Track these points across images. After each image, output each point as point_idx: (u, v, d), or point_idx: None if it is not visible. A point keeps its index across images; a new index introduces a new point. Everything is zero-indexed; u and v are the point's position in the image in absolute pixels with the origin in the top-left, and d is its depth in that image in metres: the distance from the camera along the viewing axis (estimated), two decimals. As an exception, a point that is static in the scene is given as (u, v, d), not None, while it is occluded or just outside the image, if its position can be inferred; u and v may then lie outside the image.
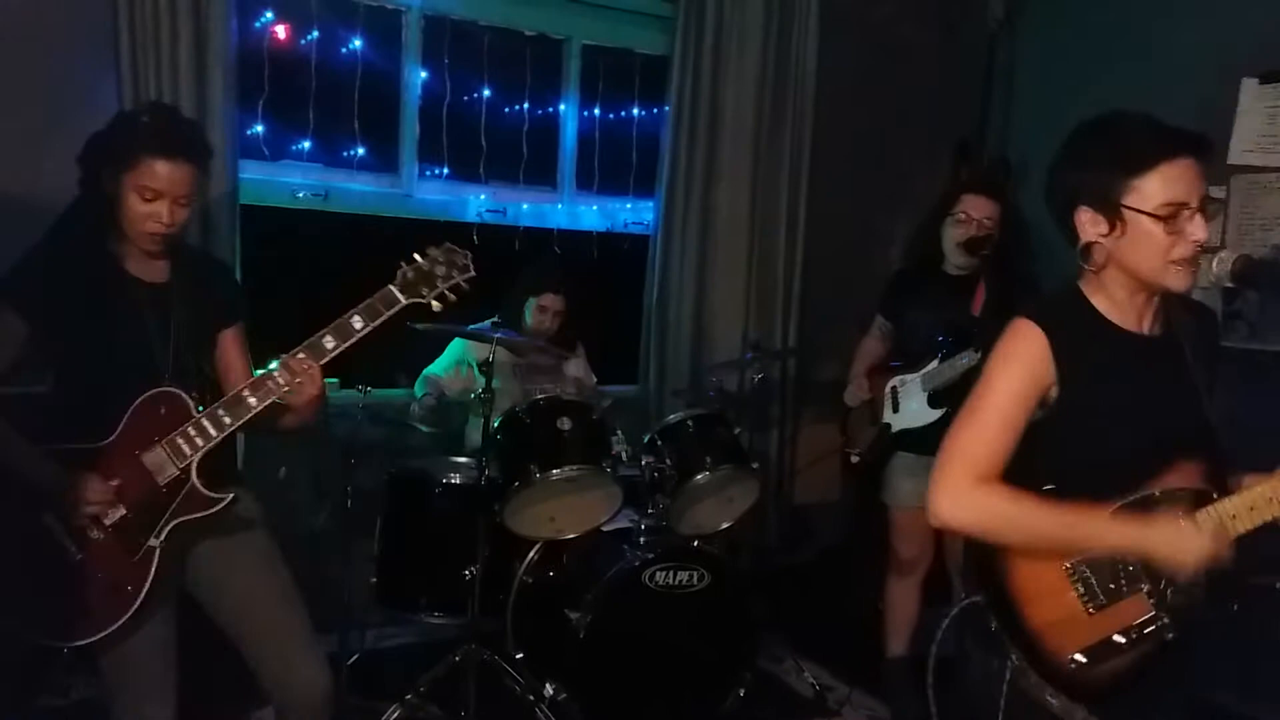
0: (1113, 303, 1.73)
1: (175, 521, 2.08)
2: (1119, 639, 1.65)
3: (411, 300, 2.16)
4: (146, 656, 2.14)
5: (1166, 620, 1.65)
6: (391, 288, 2.15)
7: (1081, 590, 1.67)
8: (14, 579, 2.05)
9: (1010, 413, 1.66)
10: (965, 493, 1.64)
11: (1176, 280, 1.65)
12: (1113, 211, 1.65)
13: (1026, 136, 4.55)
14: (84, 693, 2.92)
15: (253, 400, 2.10)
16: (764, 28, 4.17)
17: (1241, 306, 3.62)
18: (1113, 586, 1.66)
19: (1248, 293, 3.57)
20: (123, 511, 2.06)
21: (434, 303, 2.19)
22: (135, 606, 2.05)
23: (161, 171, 2.08)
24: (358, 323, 2.13)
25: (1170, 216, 1.61)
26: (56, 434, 2.09)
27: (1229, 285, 1.74)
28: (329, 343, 2.12)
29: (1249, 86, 3.59)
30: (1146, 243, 1.63)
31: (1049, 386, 1.68)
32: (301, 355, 2.11)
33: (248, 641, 2.27)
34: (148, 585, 2.05)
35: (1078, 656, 1.64)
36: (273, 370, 2.11)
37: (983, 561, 1.72)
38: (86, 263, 2.15)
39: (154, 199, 2.09)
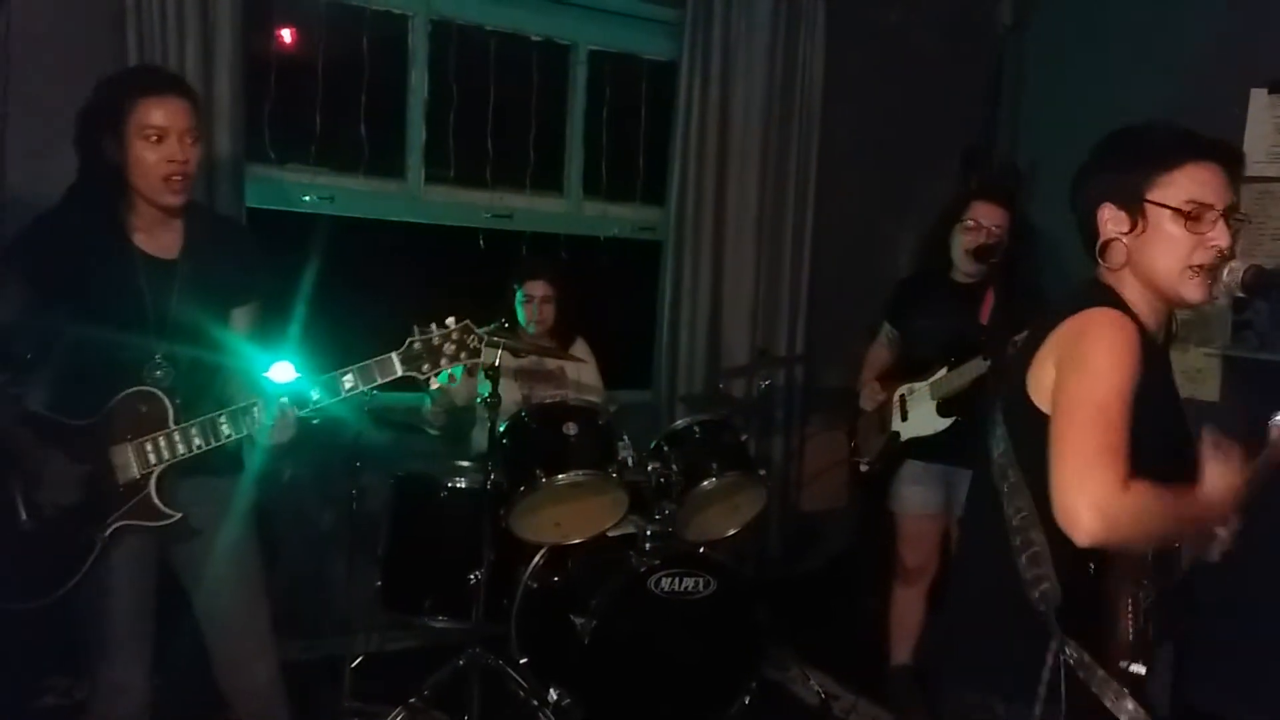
0: (1135, 308, 1.68)
1: (123, 523, 2.10)
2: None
3: (408, 374, 2.14)
4: (111, 623, 2.15)
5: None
6: (394, 356, 2.12)
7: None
8: None
9: (1128, 406, 1.50)
10: (1120, 497, 1.43)
11: (1192, 291, 1.62)
12: (1136, 207, 1.62)
13: (1035, 143, 4.54)
14: (86, 693, 2.91)
15: (227, 430, 2.12)
16: (771, 33, 4.17)
17: (1252, 317, 3.60)
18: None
19: (1258, 303, 3.56)
20: (76, 497, 2.08)
21: (431, 381, 2.16)
22: (61, 591, 2.07)
23: (157, 108, 2.09)
24: (348, 382, 2.12)
25: (1193, 216, 1.58)
26: (44, 400, 2.11)
27: (1240, 295, 1.72)
28: (314, 394, 2.13)
29: (1258, 97, 3.58)
30: (1167, 242, 1.61)
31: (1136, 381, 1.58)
32: (285, 399, 2.12)
33: (208, 633, 2.32)
34: (80, 574, 2.07)
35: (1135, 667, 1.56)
36: (254, 406, 2.12)
37: (1080, 601, 1.57)
38: (92, 234, 2.14)
39: (160, 139, 2.09)
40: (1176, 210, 1.60)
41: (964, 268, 3.30)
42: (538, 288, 3.52)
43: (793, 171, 4.30)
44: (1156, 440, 1.59)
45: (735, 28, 4.11)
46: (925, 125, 4.63)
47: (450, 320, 2.16)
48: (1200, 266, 1.61)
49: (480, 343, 2.18)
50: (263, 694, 2.35)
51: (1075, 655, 1.53)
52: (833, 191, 4.45)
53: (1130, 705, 1.51)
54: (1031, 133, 4.58)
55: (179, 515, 2.13)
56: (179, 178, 2.12)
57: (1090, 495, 1.42)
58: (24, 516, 2.06)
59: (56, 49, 3.07)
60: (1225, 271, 1.70)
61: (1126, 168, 1.65)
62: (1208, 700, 3.55)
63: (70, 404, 2.11)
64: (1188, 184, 1.60)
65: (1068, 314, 1.58)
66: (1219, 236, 1.60)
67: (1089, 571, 1.56)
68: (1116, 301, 1.63)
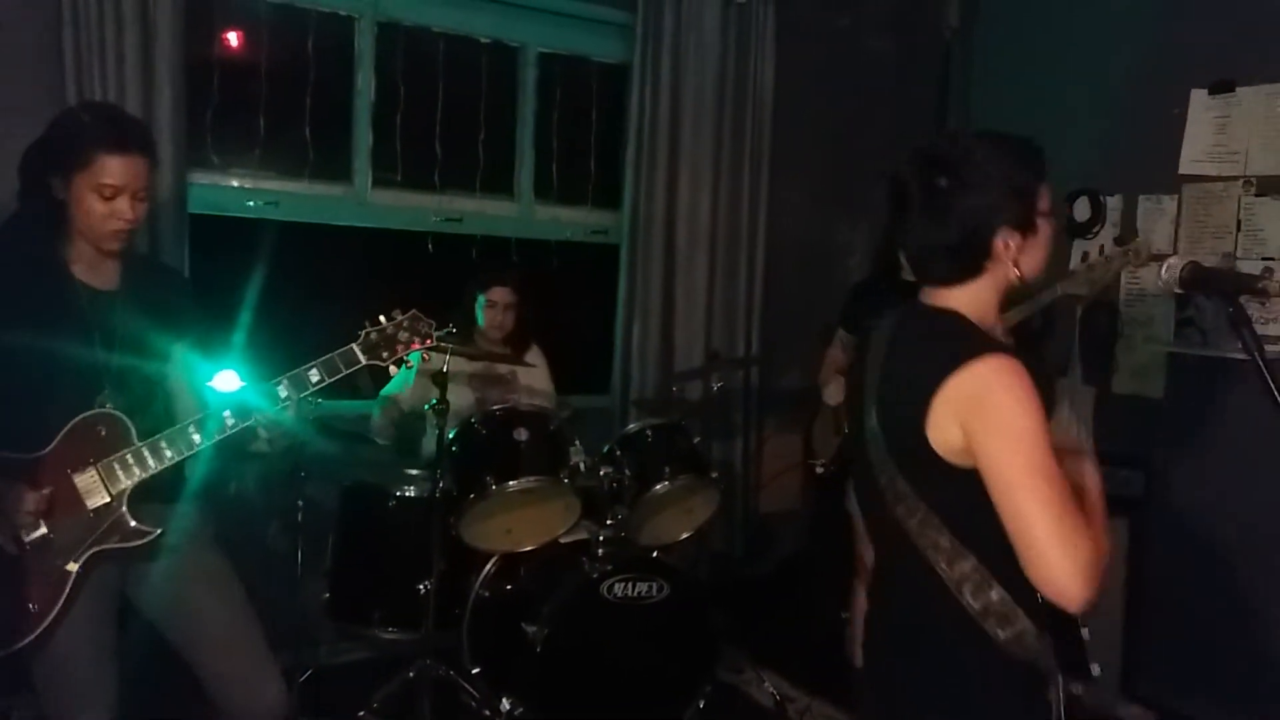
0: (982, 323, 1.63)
1: (97, 549, 2.04)
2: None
3: (371, 363, 2.21)
4: (77, 666, 2.08)
5: None
6: (354, 347, 2.20)
7: None
8: None
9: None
10: (1098, 553, 1.41)
11: None
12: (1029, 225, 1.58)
13: (983, 145, 4.57)
14: (24, 715, 2.83)
15: (196, 437, 2.08)
16: (721, 37, 4.18)
17: (1194, 314, 3.66)
18: None
19: (1198, 299, 3.61)
20: (43, 530, 2.00)
21: (391, 366, 2.25)
22: (40, 629, 1.99)
23: (117, 167, 2.05)
24: (314, 376, 2.16)
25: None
26: None
27: (1178, 291, 1.74)
28: (283, 391, 2.13)
29: (1198, 97, 3.64)
30: (1044, 248, 1.62)
31: None
32: (255, 412, 2.10)
33: (204, 664, 2.25)
34: (56, 609, 2.00)
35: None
36: (225, 413, 2.08)
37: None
38: (31, 266, 2.10)
39: (113, 196, 2.05)
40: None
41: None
42: (502, 294, 3.50)
43: (745, 173, 4.31)
44: None
45: (686, 30, 4.11)
46: (876, 127, 4.66)
47: (397, 311, 2.26)
48: None
49: (432, 327, 2.28)
50: (276, 710, 2.29)
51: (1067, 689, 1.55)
52: (785, 194, 4.46)
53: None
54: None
55: (158, 531, 2.07)
56: (123, 233, 2.11)
57: (1076, 566, 1.38)
58: None
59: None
60: (1164, 268, 1.71)
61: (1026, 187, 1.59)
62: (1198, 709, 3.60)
63: (16, 437, 2.03)
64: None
65: (947, 366, 1.46)
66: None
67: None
68: (981, 336, 1.54)
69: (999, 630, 1.48)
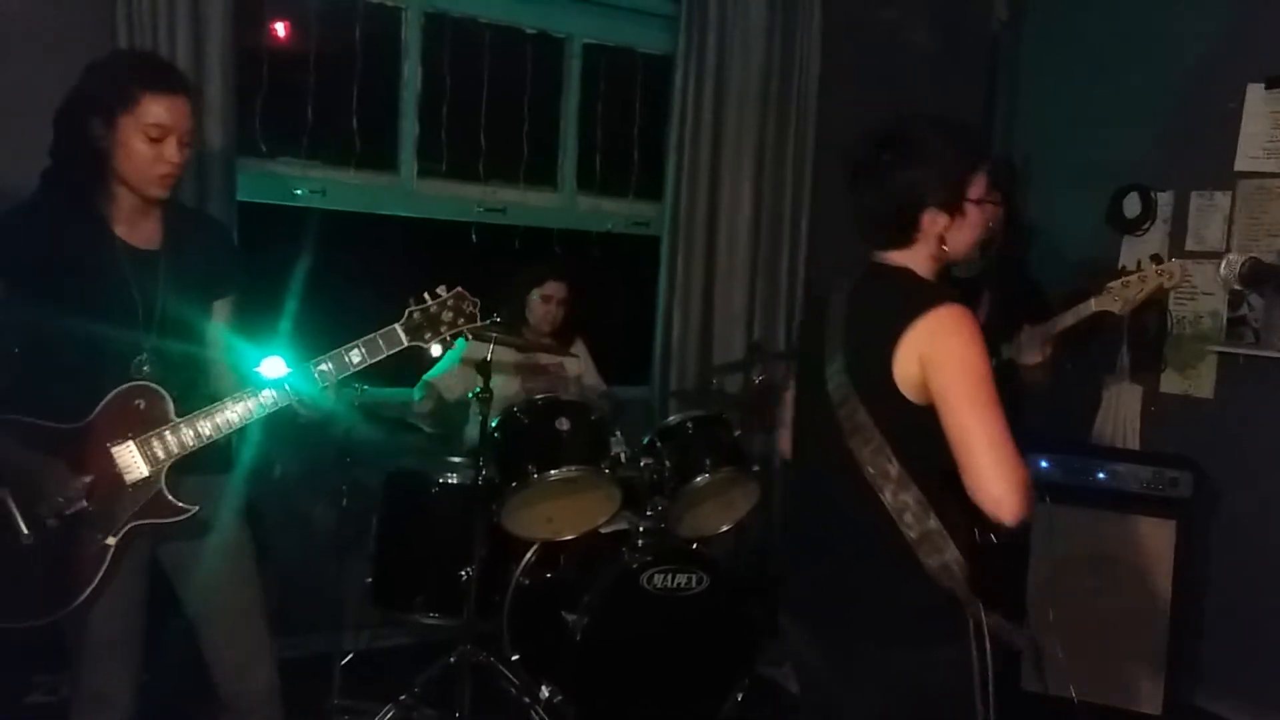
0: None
1: (135, 523, 2.04)
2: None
3: (414, 343, 2.16)
4: (107, 636, 2.10)
5: None
6: (397, 327, 2.14)
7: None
8: None
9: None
10: (1026, 471, 1.61)
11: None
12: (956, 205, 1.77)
13: (1029, 138, 4.53)
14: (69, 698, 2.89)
15: (234, 416, 2.06)
16: (767, 28, 4.15)
17: (1246, 312, 3.59)
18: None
19: (1252, 298, 3.55)
20: (83, 504, 2.00)
21: (435, 347, 2.19)
22: (78, 601, 2.00)
23: (164, 107, 2.02)
24: (355, 356, 2.12)
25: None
26: (24, 403, 2.02)
27: (1237, 288, 1.71)
28: (324, 369, 2.11)
29: (1255, 92, 3.57)
30: (972, 227, 1.83)
31: None
32: (292, 393, 2.09)
33: (205, 634, 2.27)
34: (95, 582, 2.01)
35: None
36: (262, 391, 2.07)
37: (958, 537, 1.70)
38: (71, 223, 2.07)
39: (161, 137, 2.03)
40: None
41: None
42: (556, 288, 3.52)
43: (789, 165, 4.28)
44: None
45: (731, 21, 4.09)
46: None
47: (441, 289, 2.19)
48: None
49: (476, 306, 2.21)
50: (262, 695, 2.30)
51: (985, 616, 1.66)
52: (829, 184, 4.43)
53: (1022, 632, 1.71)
54: (1026, 128, 4.57)
55: (195, 508, 2.07)
56: (170, 178, 2.09)
57: (1010, 480, 1.58)
58: (25, 531, 1.98)
59: (43, 36, 3.03)
60: (1223, 265, 1.70)
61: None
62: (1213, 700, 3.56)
63: (55, 404, 2.02)
64: None
65: (911, 312, 1.68)
66: None
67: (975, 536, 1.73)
68: (934, 287, 1.76)
69: (929, 559, 1.65)
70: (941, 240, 1.77)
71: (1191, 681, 3.62)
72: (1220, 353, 3.67)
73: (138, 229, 2.14)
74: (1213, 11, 3.75)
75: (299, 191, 3.64)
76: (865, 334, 1.76)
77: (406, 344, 2.15)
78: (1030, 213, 4.31)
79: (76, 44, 3.02)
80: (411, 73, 3.78)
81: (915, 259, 1.80)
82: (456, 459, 3.28)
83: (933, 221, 1.76)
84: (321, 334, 2.25)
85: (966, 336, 1.65)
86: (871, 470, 1.69)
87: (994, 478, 1.58)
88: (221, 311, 2.29)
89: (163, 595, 2.25)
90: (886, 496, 1.67)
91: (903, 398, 1.68)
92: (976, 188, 1.78)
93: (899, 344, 1.67)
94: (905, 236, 1.79)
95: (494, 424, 3.11)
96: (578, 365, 3.69)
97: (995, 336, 2.79)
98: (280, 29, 3.68)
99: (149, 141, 2.03)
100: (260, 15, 3.55)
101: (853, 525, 1.76)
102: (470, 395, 3.20)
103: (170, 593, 2.26)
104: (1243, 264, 1.70)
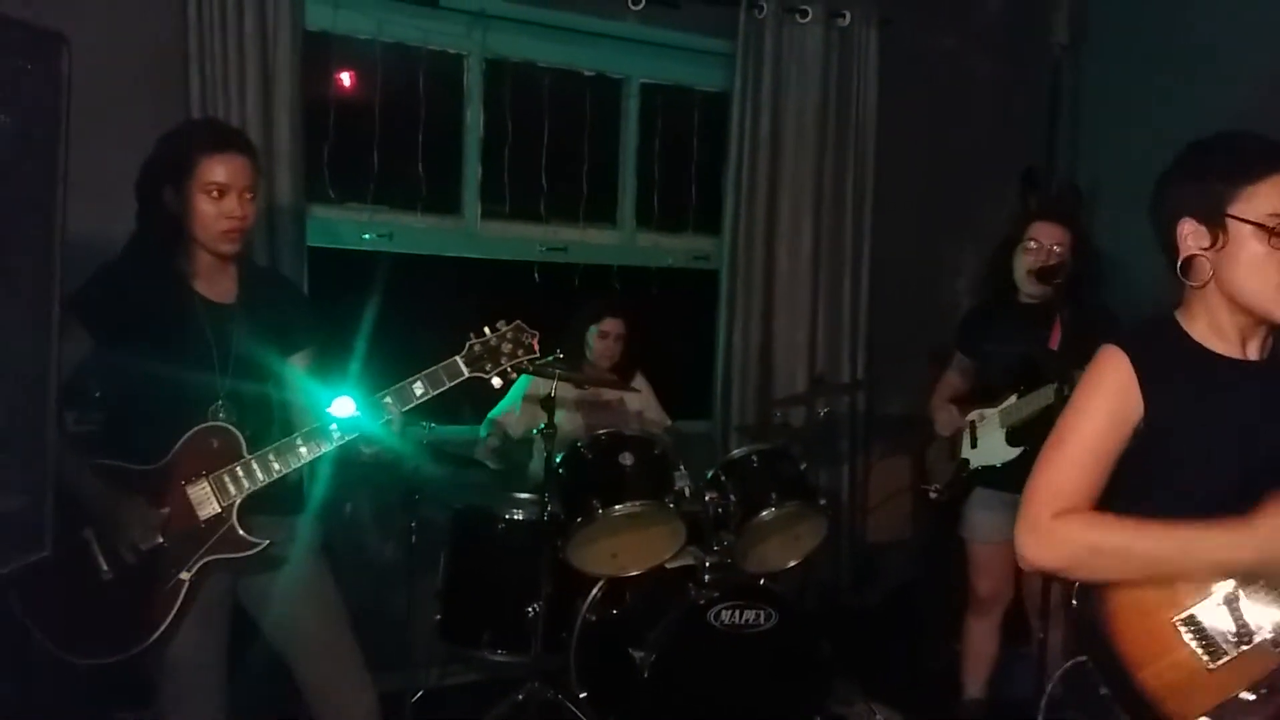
0: (1214, 327, 1.61)
1: (209, 559, 2.11)
2: (1247, 696, 1.49)
3: (474, 375, 2.22)
4: (187, 671, 2.15)
5: None
6: (458, 360, 2.22)
7: (1197, 645, 1.51)
8: (42, 586, 2.03)
9: (1095, 443, 1.57)
10: (1050, 528, 1.53)
11: None
12: (1217, 222, 1.54)
13: (1095, 162, 4.45)
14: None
15: (304, 450, 2.14)
16: (823, 63, 4.16)
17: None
18: (1233, 637, 1.51)
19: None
20: (159, 540, 2.08)
21: (495, 379, 2.24)
22: (154, 637, 2.07)
23: (220, 166, 2.15)
24: (419, 389, 2.19)
25: (1277, 232, 1.50)
26: (108, 447, 2.14)
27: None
28: (388, 404, 2.18)
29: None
30: (1249, 260, 1.53)
31: (1137, 414, 1.58)
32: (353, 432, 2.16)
33: (302, 673, 2.33)
34: (170, 617, 2.08)
35: None
36: (331, 426, 2.14)
37: (1086, 620, 1.59)
38: (154, 279, 2.19)
39: (221, 196, 2.15)
40: (1258, 225, 1.51)
41: (1027, 289, 3.22)
42: (614, 325, 3.55)
43: (848, 196, 4.27)
44: (1218, 458, 1.56)
45: (787, 56, 4.11)
46: (982, 147, 4.58)
47: (501, 323, 2.25)
48: None
49: (534, 338, 2.26)
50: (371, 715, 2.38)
51: None
52: (890, 216, 4.40)
53: None
54: (1091, 151, 4.50)
55: (266, 542, 2.14)
56: (236, 232, 2.20)
57: (1024, 523, 1.56)
58: (105, 567, 2.08)
59: (118, 96, 3.15)
60: None
61: (1208, 178, 1.57)
62: None
63: (137, 447, 2.13)
64: (1272, 195, 1.51)
65: None
66: None
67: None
68: (1154, 332, 1.64)
69: None
70: None
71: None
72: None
73: (215, 284, 2.26)
74: (1282, 27, 3.66)
75: (367, 236, 3.73)
76: None
77: (467, 375, 2.21)
78: (1098, 236, 4.22)
79: (149, 102, 3.15)
80: (474, 118, 3.86)
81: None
82: (522, 495, 3.30)
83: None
84: (391, 374, 2.30)
85: (1088, 379, 1.62)
86: None
87: (1021, 512, 1.58)
88: (301, 361, 2.38)
89: (247, 631, 2.30)
90: None
91: None
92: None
93: None
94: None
95: (558, 460, 3.12)
96: (640, 400, 3.69)
97: (1069, 362, 2.72)
98: (346, 79, 3.79)
99: (211, 200, 2.16)
100: (327, 67, 3.66)
101: None
102: (534, 431, 3.22)
103: (255, 630, 2.32)
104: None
